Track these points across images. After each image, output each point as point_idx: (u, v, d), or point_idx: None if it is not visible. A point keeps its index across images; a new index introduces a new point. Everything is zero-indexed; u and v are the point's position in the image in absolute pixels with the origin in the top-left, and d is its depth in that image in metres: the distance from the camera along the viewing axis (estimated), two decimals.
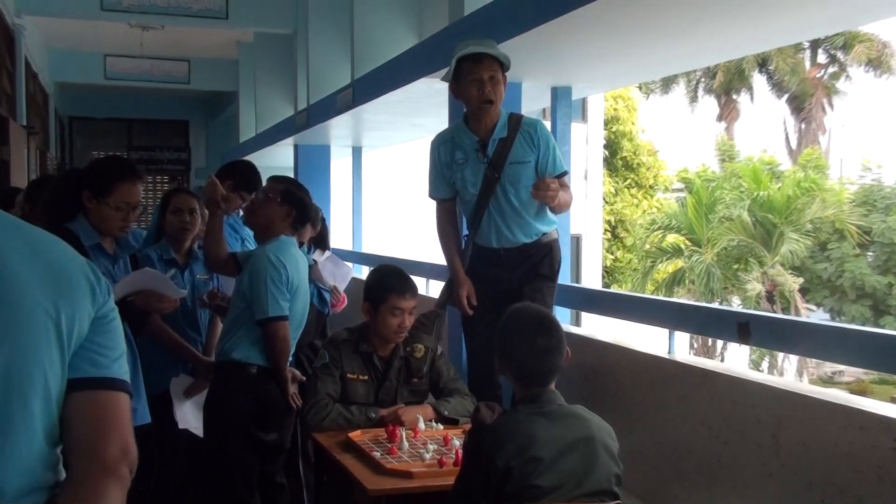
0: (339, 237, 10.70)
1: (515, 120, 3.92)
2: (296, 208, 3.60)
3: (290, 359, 3.61)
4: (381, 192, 14.35)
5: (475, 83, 3.80)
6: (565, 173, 3.99)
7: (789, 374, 19.45)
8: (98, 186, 2.94)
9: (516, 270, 3.96)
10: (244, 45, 13.44)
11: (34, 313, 1.32)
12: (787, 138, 30.16)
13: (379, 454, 2.98)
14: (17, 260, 1.33)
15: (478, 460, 2.32)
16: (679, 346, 4.41)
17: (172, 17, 10.24)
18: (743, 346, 4.27)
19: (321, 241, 5.14)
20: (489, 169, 3.87)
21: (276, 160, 11.85)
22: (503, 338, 2.46)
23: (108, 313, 1.44)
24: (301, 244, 4.59)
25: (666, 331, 4.30)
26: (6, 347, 1.29)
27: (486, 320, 3.93)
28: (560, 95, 5.80)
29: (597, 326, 7.09)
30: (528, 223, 3.93)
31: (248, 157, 10.43)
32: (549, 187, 3.75)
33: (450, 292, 4.11)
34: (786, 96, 29.17)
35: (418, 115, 7.34)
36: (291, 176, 11.19)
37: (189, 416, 3.78)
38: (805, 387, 3.61)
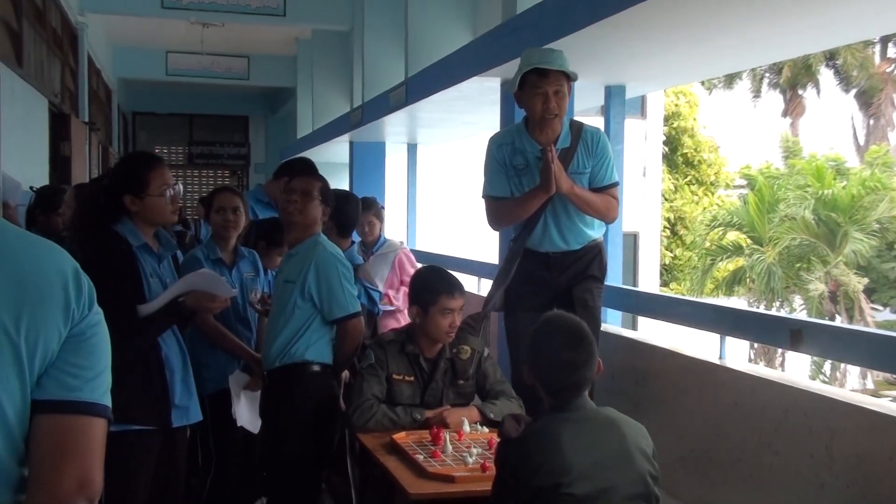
0: (394, 234, 10.75)
1: (577, 129, 3.88)
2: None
3: None
4: (437, 189, 14.36)
5: (540, 96, 3.74)
6: (615, 185, 3.93)
7: (853, 375, 18.98)
8: (135, 186, 2.97)
9: (566, 272, 3.92)
10: (302, 42, 13.56)
11: None
12: (854, 134, 29.38)
13: (422, 457, 2.97)
14: None
15: (506, 474, 2.30)
16: (736, 351, 4.32)
17: (232, 15, 10.39)
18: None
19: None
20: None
21: (333, 156, 11.94)
22: (532, 349, 2.43)
23: (86, 330, 1.31)
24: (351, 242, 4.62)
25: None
26: None
27: (533, 324, 3.94)
28: (614, 94, 5.73)
29: (655, 330, 7.00)
30: (581, 231, 3.91)
31: (305, 153, 10.55)
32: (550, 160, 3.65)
33: (496, 292, 4.07)
34: (854, 91, 28.40)
35: (470, 112, 7.31)
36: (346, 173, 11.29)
37: (245, 414, 3.82)
38: (860, 397, 3.50)
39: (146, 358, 2.93)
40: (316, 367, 3.49)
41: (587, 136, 3.86)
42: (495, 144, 3.99)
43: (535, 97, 3.75)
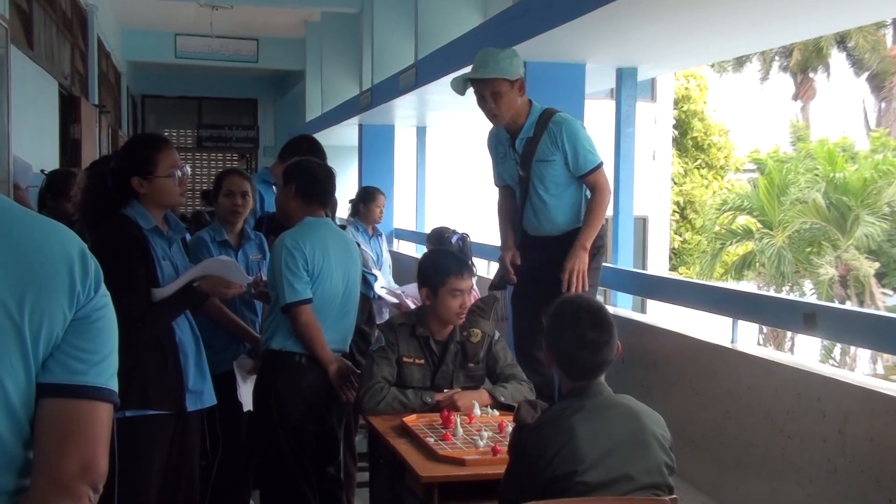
0: (403, 217, 10.74)
1: (545, 119, 3.97)
2: (296, 181, 3.53)
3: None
4: (447, 172, 14.32)
5: (480, 100, 3.95)
6: (597, 167, 3.99)
7: (863, 360, 18.92)
8: (142, 168, 2.95)
9: (556, 252, 3.98)
10: (311, 25, 13.52)
11: None
12: (865, 118, 29.18)
13: (433, 440, 2.96)
14: None
15: (521, 461, 2.28)
16: (747, 334, 4.31)
17: None
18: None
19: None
20: (519, 166, 4.03)
21: (342, 139, 11.93)
22: (552, 329, 2.39)
23: (92, 313, 1.29)
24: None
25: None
26: None
27: (526, 302, 4.08)
28: (625, 76, 5.70)
29: (664, 313, 6.98)
30: (555, 221, 4.04)
31: (314, 136, 10.52)
32: (568, 272, 3.86)
33: (500, 272, 4.23)
34: (865, 75, 28.18)
35: None
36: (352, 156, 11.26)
37: (251, 397, 3.82)
38: (874, 381, 3.48)
39: (161, 342, 2.92)
40: (297, 358, 3.44)
41: (553, 126, 3.95)
42: (489, 136, 4.24)
43: (478, 101, 3.98)
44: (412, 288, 5.20)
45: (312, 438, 3.49)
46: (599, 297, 4.69)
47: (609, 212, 6.15)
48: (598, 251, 4.05)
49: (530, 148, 3.97)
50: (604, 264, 4.32)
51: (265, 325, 3.55)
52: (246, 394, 3.80)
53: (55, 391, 1.25)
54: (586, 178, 3.98)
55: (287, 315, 3.40)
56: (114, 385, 1.31)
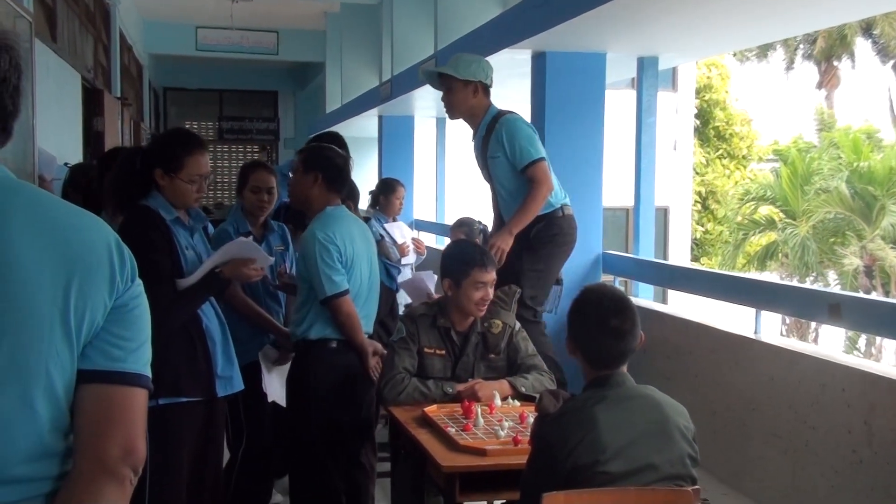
0: (423, 208, 10.73)
1: (495, 119, 4.28)
2: (321, 170, 3.52)
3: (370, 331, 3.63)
4: (468, 162, 14.30)
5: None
6: (533, 162, 4.18)
7: (888, 350, 18.74)
8: (168, 163, 2.96)
9: (519, 240, 4.23)
10: (331, 16, 13.51)
11: (38, 301, 1.24)
12: (891, 106, 28.83)
13: (454, 430, 2.96)
14: (27, 242, 1.24)
15: (543, 451, 2.27)
16: (769, 324, 4.28)
17: None
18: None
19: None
20: (480, 163, 4.42)
21: (362, 131, 11.92)
22: (575, 317, 2.39)
23: (129, 301, 1.33)
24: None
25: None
26: (4, 337, 1.22)
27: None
28: (646, 65, 5.65)
29: (685, 304, 6.94)
30: (513, 211, 4.25)
31: (334, 128, 10.53)
32: (489, 246, 4.09)
33: None
34: (891, 62, 27.84)
35: (501, 85, 7.22)
36: (375, 146, 11.26)
37: (276, 388, 3.84)
38: None
39: (188, 330, 2.95)
40: (331, 345, 3.47)
41: (498, 124, 4.25)
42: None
43: None
44: (427, 275, 5.23)
45: (346, 426, 3.52)
46: (621, 287, 4.68)
47: (629, 202, 6.14)
48: (551, 239, 4.28)
49: (483, 146, 4.32)
50: (613, 252, 4.34)
51: (297, 317, 3.55)
52: (271, 384, 3.82)
53: (96, 377, 1.30)
54: (525, 172, 4.19)
55: (326, 307, 3.43)
56: (149, 372, 1.36)
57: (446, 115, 4.64)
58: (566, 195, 4.38)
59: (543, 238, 4.23)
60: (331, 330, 3.47)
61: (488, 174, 4.38)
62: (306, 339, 3.49)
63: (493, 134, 4.26)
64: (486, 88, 4.30)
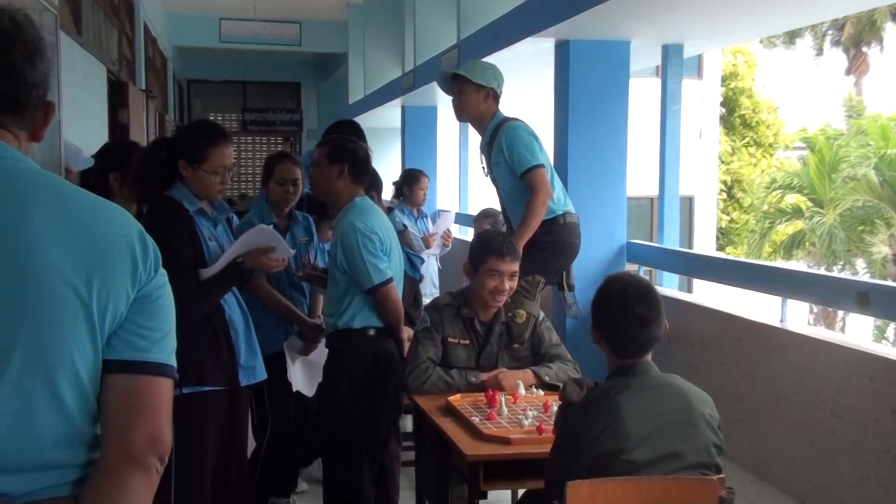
0: (446, 198, 10.73)
1: (499, 126, 4.31)
2: (347, 161, 3.55)
3: None
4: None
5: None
6: (530, 169, 4.18)
7: None
8: (192, 154, 2.98)
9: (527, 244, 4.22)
10: (354, 7, 13.52)
11: (60, 292, 1.25)
12: None
13: (478, 419, 2.97)
14: (49, 233, 1.25)
15: (566, 439, 2.27)
16: (797, 313, 4.24)
17: None
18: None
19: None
20: (485, 168, 4.49)
21: (385, 121, 11.93)
22: (599, 306, 2.38)
23: (153, 291, 1.35)
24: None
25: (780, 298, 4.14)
26: (27, 327, 1.23)
27: None
28: (671, 53, 5.61)
29: (711, 293, 6.90)
30: (517, 215, 4.26)
31: (356, 119, 10.54)
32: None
33: None
34: None
35: (524, 75, 7.22)
36: (397, 137, 11.26)
37: (300, 378, 3.86)
38: None
39: (211, 320, 2.98)
40: (370, 332, 3.52)
41: (500, 131, 4.29)
42: None
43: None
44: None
45: (385, 411, 3.56)
46: (646, 276, 4.66)
47: (654, 191, 6.10)
48: (550, 245, 4.24)
49: (488, 152, 4.39)
50: (638, 241, 4.29)
51: (336, 308, 3.55)
52: (295, 374, 3.84)
53: (121, 367, 1.32)
54: (523, 179, 4.20)
55: (372, 295, 3.48)
56: (174, 361, 1.38)
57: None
58: (569, 202, 4.34)
59: (539, 243, 4.22)
60: (374, 318, 3.52)
61: (493, 178, 4.46)
62: (349, 329, 3.51)
63: (496, 140, 4.30)
64: (496, 96, 4.36)
